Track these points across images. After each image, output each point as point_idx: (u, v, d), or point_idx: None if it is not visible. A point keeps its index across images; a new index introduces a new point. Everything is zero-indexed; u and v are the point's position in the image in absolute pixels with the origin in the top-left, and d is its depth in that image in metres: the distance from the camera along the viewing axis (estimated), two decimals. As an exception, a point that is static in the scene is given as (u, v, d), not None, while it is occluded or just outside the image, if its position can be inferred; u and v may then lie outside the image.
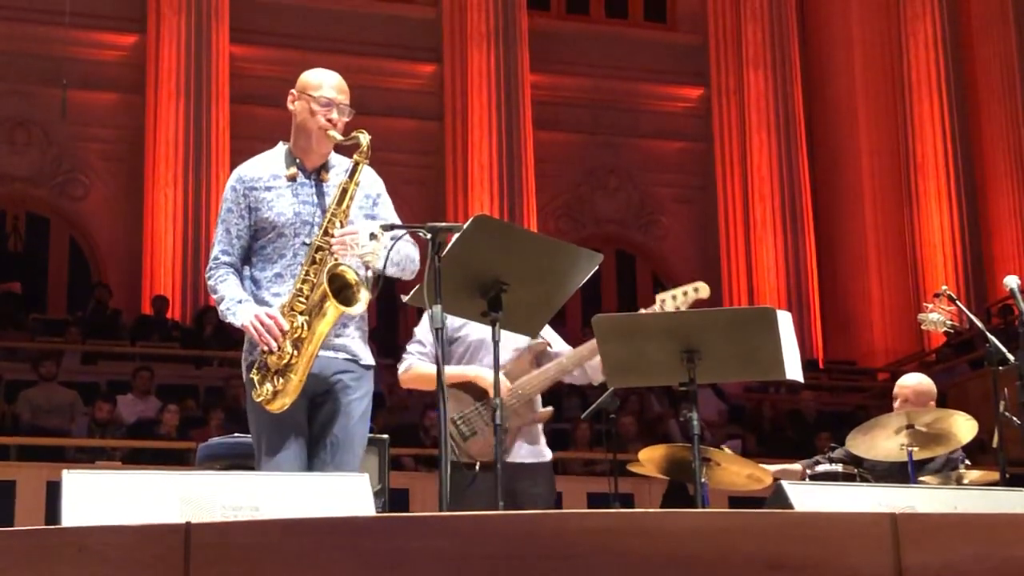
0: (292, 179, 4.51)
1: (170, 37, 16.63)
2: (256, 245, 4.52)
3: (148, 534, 3.03)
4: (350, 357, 4.50)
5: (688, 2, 19.83)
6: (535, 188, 17.95)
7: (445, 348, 5.27)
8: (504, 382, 5.19)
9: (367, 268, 4.38)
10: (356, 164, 4.45)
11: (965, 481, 6.44)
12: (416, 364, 5.34)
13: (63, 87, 15.23)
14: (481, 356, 5.29)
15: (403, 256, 4.48)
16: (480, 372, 5.22)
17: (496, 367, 4.45)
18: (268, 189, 4.50)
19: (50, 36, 16.26)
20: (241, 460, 5.68)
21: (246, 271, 4.55)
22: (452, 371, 5.24)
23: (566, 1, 19.70)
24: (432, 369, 5.25)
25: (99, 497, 3.32)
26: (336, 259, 4.34)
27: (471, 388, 5.25)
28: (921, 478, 6.43)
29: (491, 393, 5.11)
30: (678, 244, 19.32)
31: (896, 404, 6.63)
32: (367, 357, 4.55)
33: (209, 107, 16.55)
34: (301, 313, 4.33)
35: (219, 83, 16.73)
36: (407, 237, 4.45)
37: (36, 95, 16.52)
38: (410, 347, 5.38)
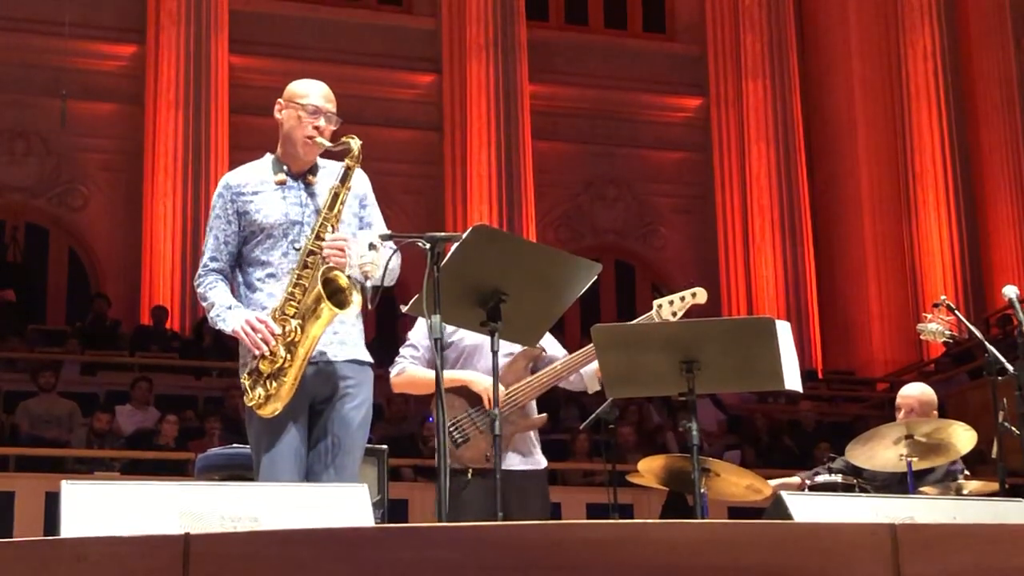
0: (281, 184, 4.54)
1: (169, 48, 16.64)
2: (246, 249, 4.55)
3: (147, 545, 3.03)
4: (350, 359, 4.51)
5: (687, 12, 19.86)
6: (534, 198, 17.96)
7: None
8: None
9: (367, 278, 4.39)
10: (348, 169, 4.46)
11: (964, 492, 6.43)
12: (410, 368, 5.34)
13: (62, 97, 15.25)
14: (475, 361, 5.28)
15: (395, 264, 4.49)
16: (474, 377, 5.21)
17: (495, 378, 4.44)
18: (256, 193, 4.54)
19: (49, 47, 16.28)
20: (240, 471, 5.68)
21: (239, 276, 4.57)
22: (446, 375, 5.24)
23: (565, 11, 19.72)
24: (425, 373, 5.26)
25: (98, 508, 3.32)
26: (329, 263, 4.35)
27: (464, 393, 5.24)
28: (921, 489, 6.42)
29: (484, 398, 5.13)
30: (677, 254, 19.32)
31: (900, 414, 6.61)
32: (366, 355, 4.57)
33: (208, 118, 16.55)
34: (293, 316, 4.35)
35: (218, 94, 16.74)
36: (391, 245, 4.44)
37: (35, 105, 16.53)
38: (403, 351, 5.38)
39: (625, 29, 19.89)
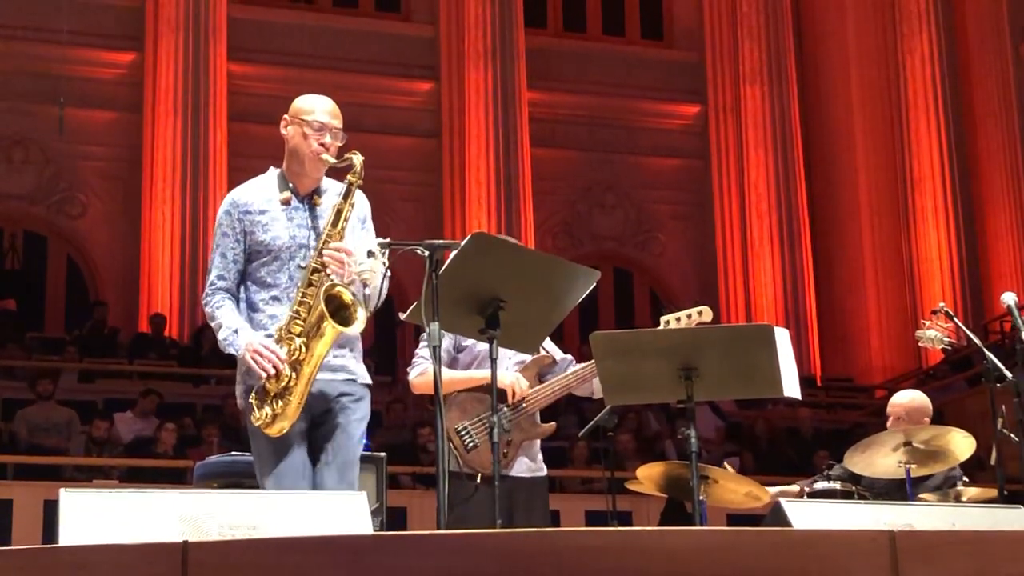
0: (286, 203, 4.52)
1: (168, 55, 16.65)
2: (250, 267, 4.53)
3: (146, 553, 3.03)
4: (350, 377, 4.51)
5: (685, 19, 19.88)
6: (532, 205, 17.96)
7: (451, 357, 5.29)
8: (522, 382, 5.21)
9: (365, 286, 4.39)
10: (350, 185, 4.45)
11: (963, 498, 6.43)
12: (431, 369, 5.33)
13: (60, 105, 15.24)
14: (488, 366, 5.29)
15: (385, 287, 4.50)
16: (498, 374, 5.22)
17: (494, 384, 4.45)
18: (263, 213, 4.51)
19: (47, 54, 16.27)
20: (238, 479, 5.68)
21: (241, 293, 4.56)
22: (466, 375, 5.26)
23: (563, 19, 19.74)
24: (447, 374, 5.23)
25: (96, 516, 3.32)
26: (332, 280, 4.34)
27: (483, 396, 5.23)
28: (919, 495, 6.42)
29: (508, 392, 5.16)
30: (675, 261, 19.32)
31: (889, 422, 6.62)
32: (365, 376, 4.57)
33: (207, 125, 16.55)
34: (299, 335, 4.34)
35: (217, 101, 16.74)
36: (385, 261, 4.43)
37: (34, 113, 16.53)
38: (422, 351, 5.35)
39: (623, 36, 19.90)
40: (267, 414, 4.35)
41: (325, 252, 4.37)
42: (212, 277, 4.53)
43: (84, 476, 11.07)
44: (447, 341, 5.23)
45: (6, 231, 17.11)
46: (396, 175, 17.30)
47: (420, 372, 5.34)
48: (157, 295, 16.05)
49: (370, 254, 4.31)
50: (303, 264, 4.44)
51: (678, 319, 5.27)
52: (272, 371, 4.31)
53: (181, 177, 16.32)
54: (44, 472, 11.07)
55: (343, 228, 4.44)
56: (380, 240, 4.43)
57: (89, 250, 17.16)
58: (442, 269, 4.28)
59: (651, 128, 19.38)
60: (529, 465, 5.33)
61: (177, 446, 11.69)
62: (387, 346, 16.15)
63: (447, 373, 5.22)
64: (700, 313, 5.28)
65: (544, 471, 5.42)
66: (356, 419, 4.48)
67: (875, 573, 3.21)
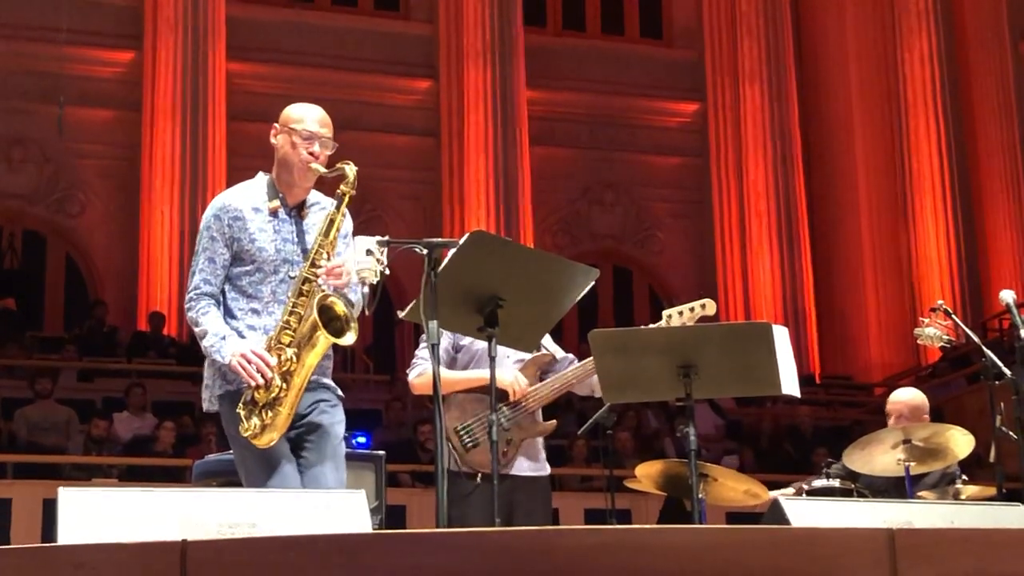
0: (274, 213, 4.48)
1: (167, 54, 16.65)
2: (232, 273, 4.48)
3: (145, 552, 3.03)
4: (324, 386, 4.51)
5: (684, 18, 19.88)
6: (531, 204, 17.97)
7: (449, 356, 5.29)
8: (522, 380, 5.21)
9: (363, 284, 4.38)
10: (343, 195, 4.41)
11: (962, 496, 6.43)
12: (430, 370, 5.33)
13: (59, 104, 15.24)
14: (487, 366, 5.28)
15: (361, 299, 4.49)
16: (497, 374, 5.22)
17: (493, 382, 4.45)
18: (251, 220, 4.46)
19: (46, 53, 16.28)
20: (237, 477, 5.67)
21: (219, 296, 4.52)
22: (465, 375, 5.25)
23: (562, 17, 19.75)
24: (447, 374, 5.23)
25: (95, 515, 3.32)
26: (325, 290, 4.32)
27: (481, 395, 5.22)
28: (918, 493, 6.42)
29: (509, 392, 5.16)
30: (675, 259, 19.33)
31: (891, 420, 6.61)
32: (337, 389, 4.57)
33: (206, 124, 16.55)
34: (289, 345, 4.30)
35: (216, 100, 16.74)
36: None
37: (33, 112, 16.53)
38: (421, 352, 5.34)
39: (622, 35, 19.91)
40: (256, 425, 4.29)
41: (321, 270, 4.34)
42: (197, 280, 4.46)
43: (83, 475, 11.07)
44: (445, 340, 5.23)
45: (5, 230, 17.10)
46: (395, 173, 17.29)
47: (419, 373, 5.33)
48: (156, 294, 16.05)
49: (368, 252, 4.30)
50: (292, 275, 4.40)
51: (680, 313, 5.26)
52: (260, 380, 4.25)
53: (180, 176, 16.32)
54: (43, 471, 11.07)
55: (335, 238, 4.40)
56: (379, 238, 4.42)
57: (88, 249, 17.16)
58: (441, 267, 4.28)
59: (650, 126, 19.39)
60: (531, 464, 5.32)
61: (176, 445, 11.70)
62: (385, 345, 16.15)
63: (447, 374, 5.21)
64: (703, 307, 5.26)
65: (547, 471, 5.40)
66: (337, 421, 4.47)
67: (874, 571, 3.21)
